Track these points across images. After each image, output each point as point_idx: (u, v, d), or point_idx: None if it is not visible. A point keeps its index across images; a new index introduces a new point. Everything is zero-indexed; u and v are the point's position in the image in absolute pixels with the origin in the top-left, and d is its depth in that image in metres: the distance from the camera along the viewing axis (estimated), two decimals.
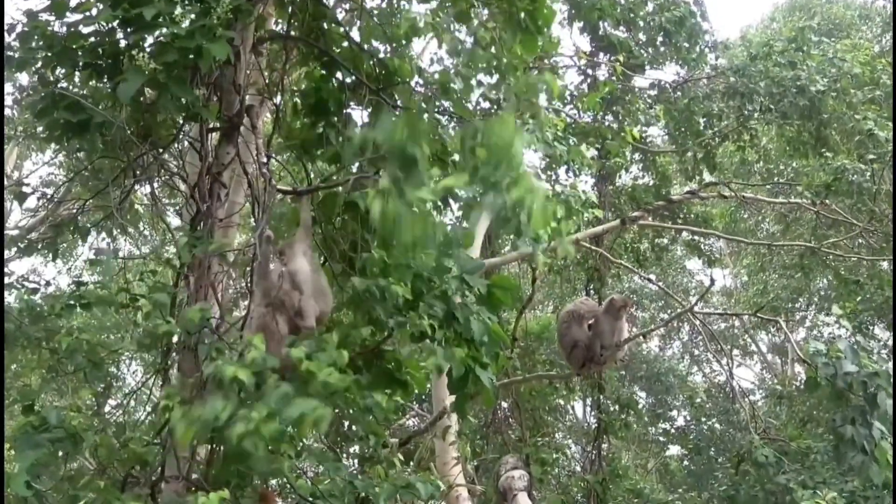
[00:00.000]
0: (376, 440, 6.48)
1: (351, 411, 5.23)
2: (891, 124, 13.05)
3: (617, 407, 15.75)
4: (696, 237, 16.53)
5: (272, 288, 5.00)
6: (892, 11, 16.98)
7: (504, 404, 14.57)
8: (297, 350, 4.32)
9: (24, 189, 6.73)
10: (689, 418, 21.69)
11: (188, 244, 5.41)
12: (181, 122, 6.10)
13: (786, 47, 14.48)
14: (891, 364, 10.32)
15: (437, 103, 6.38)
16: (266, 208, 5.40)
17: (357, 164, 6.09)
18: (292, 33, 6.72)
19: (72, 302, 5.21)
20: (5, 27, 5.71)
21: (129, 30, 5.48)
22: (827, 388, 10.06)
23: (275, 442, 4.09)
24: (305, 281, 5.12)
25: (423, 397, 13.33)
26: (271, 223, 5.54)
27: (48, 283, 6.06)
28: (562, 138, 8.00)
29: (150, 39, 5.52)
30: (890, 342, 18.75)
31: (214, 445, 5.23)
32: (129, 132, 5.47)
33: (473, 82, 6.20)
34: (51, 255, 5.91)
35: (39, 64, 5.68)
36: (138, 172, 6.07)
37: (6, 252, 7.21)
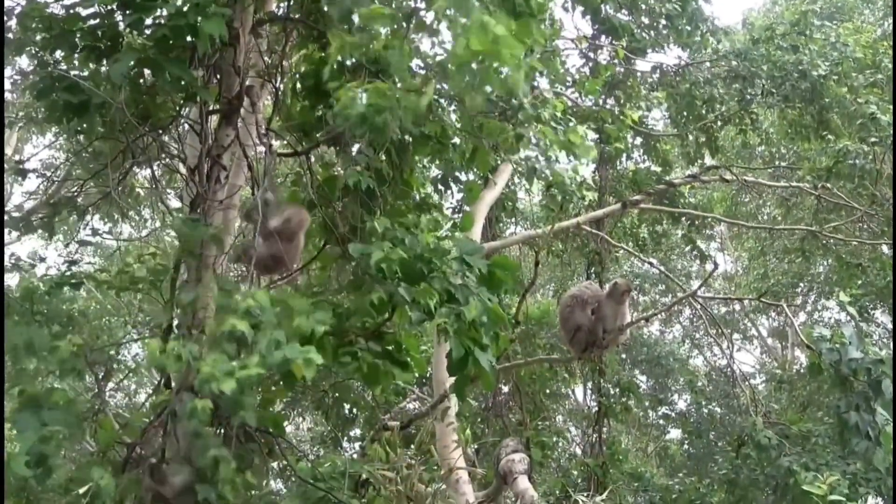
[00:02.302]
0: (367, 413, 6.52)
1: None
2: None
3: (617, 391, 15.76)
4: (696, 221, 16.47)
5: (249, 248, 5.30)
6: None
7: (504, 388, 14.59)
8: (262, 295, 4.36)
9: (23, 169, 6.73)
10: (689, 402, 21.70)
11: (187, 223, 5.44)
12: (181, 103, 6.09)
13: (788, 31, 14.43)
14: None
15: (437, 86, 6.35)
16: (267, 172, 5.48)
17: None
18: (292, 15, 6.69)
19: (63, 281, 5.20)
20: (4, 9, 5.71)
21: (127, 11, 5.47)
22: (829, 374, 10.08)
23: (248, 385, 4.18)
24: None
25: (424, 380, 13.35)
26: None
27: (42, 259, 6.04)
28: (562, 120, 7.96)
29: (148, 21, 5.51)
30: (891, 326, 18.74)
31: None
32: (128, 114, 5.45)
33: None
34: (48, 236, 5.90)
35: (38, 46, 5.66)
36: (137, 154, 6.06)
37: (6, 234, 7.21)
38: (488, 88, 4.69)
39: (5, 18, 5.69)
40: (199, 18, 5.16)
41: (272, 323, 4.32)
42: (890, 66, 13.95)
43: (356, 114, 4.61)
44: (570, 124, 7.29)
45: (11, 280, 5.88)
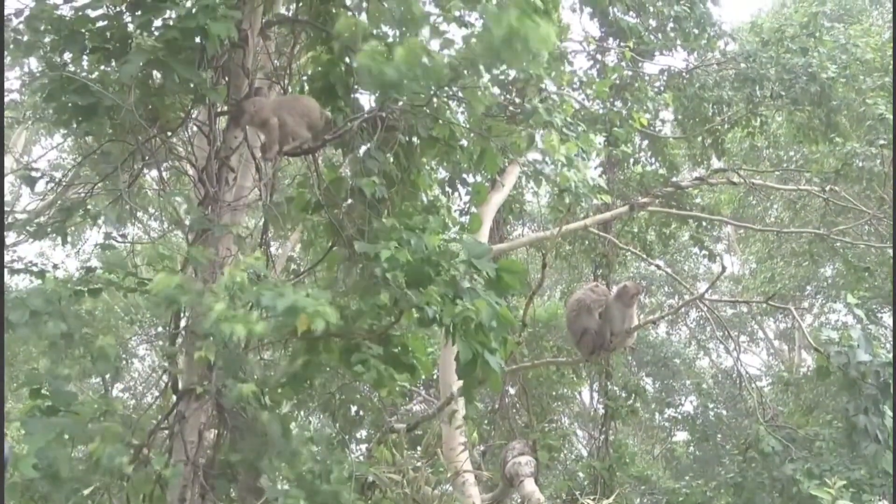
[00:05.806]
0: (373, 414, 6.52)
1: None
2: None
3: (624, 393, 15.74)
4: (703, 223, 16.44)
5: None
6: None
7: (511, 390, 14.58)
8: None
9: (34, 173, 6.73)
10: (695, 404, 21.68)
11: (197, 217, 5.45)
12: (189, 105, 6.10)
13: (797, 33, 14.39)
14: None
15: (447, 89, 6.34)
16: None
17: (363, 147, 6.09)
18: (300, 17, 6.70)
19: (80, 288, 5.19)
20: (13, 11, 5.71)
21: (136, 13, 5.47)
22: (837, 376, 10.04)
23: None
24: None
25: (431, 382, 13.34)
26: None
27: (56, 266, 6.05)
28: (571, 124, 7.96)
29: (157, 23, 5.52)
30: None
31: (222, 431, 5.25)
32: (137, 116, 5.46)
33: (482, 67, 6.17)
34: (60, 239, 5.91)
35: (47, 48, 5.67)
36: (147, 156, 6.07)
37: (14, 236, 7.22)
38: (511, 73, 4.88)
39: (10, 20, 5.70)
40: (208, 21, 5.17)
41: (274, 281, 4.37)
42: None
43: (388, 76, 4.63)
44: (580, 129, 7.30)
45: (22, 282, 5.90)
